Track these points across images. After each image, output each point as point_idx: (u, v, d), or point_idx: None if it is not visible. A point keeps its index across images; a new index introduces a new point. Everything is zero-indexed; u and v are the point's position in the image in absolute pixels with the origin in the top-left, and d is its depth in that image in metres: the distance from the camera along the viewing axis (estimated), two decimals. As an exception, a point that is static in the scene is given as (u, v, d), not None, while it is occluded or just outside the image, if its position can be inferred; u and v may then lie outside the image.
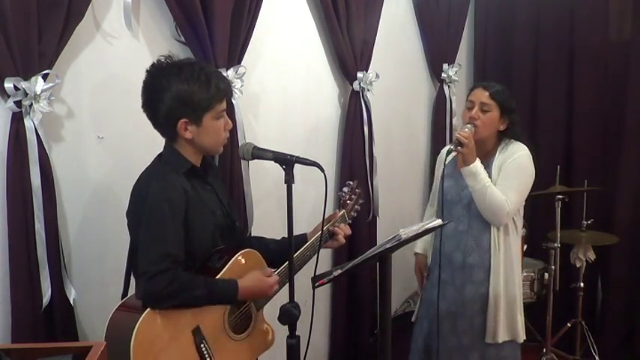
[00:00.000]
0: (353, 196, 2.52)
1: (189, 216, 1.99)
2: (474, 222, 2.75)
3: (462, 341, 2.81)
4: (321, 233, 2.21)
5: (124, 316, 1.92)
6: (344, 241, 2.39)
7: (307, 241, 2.29)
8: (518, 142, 2.81)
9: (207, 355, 1.96)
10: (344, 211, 2.46)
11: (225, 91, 2.04)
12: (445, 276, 2.80)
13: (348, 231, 2.41)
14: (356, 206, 2.54)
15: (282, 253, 2.22)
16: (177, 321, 1.92)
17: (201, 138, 2.02)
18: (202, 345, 1.95)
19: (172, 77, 1.95)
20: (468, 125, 2.71)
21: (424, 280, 3.02)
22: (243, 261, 2.10)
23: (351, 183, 2.55)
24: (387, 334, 2.20)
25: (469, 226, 2.78)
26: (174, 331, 1.91)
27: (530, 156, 2.77)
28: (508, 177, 2.71)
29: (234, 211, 2.31)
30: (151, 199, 1.94)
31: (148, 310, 1.87)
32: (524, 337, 2.90)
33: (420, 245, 3.00)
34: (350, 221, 2.49)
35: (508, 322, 2.80)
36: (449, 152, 2.67)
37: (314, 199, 3.07)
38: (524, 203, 2.84)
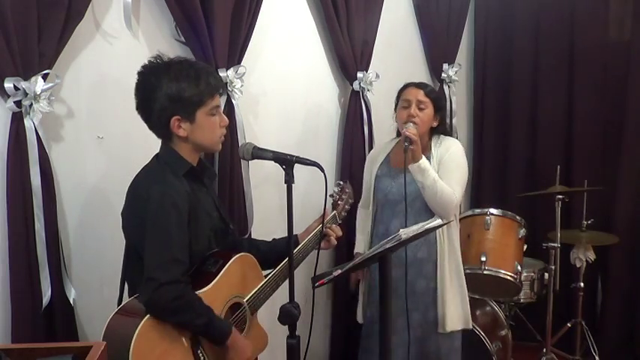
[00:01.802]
0: (343, 196, 2.52)
1: (191, 219, 1.98)
2: (420, 217, 2.75)
3: (416, 334, 2.82)
4: (321, 234, 2.21)
5: (122, 320, 1.90)
6: (335, 242, 2.39)
7: (299, 243, 2.29)
8: (450, 137, 2.96)
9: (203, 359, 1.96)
10: (335, 212, 2.46)
11: (216, 87, 2.03)
12: (396, 274, 2.79)
13: (339, 232, 2.41)
14: (346, 206, 2.54)
15: (273, 254, 2.25)
16: (176, 327, 1.92)
17: (196, 135, 2.01)
18: (199, 350, 1.95)
19: (161, 75, 1.95)
20: (410, 123, 2.77)
21: (359, 280, 3.04)
22: (238, 265, 2.09)
23: (341, 183, 2.56)
24: (387, 334, 2.21)
25: (415, 222, 2.77)
26: (173, 337, 1.91)
27: (463, 148, 2.92)
28: (450, 170, 2.81)
29: (226, 213, 2.31)
30: (156, 203, 1.91)
31: (148, 316, 1.85)
32: (472, 324, 2.98)
33: (359, 245, 3.03)
34: (340, 222, 2.48)
35: (458, 312, 2.87)
36: (405, 150, 2.68)
37: (302, 197, 3.06)
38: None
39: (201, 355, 1.96)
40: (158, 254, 1.89)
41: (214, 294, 2.00)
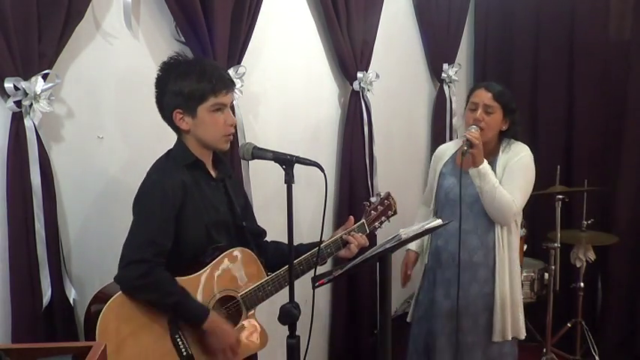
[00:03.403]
0: (380, 207, 2.45)
1: (185, 208, 2.01)
2: (479, 221, 2.76)
3: (465, 339, 2.81)
4: (320, 237, 2.20)
5: (97, 303, 1.96)
6: (356, 250, 2.32)
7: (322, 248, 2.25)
8: (520, 143, 2.83)
9: (182, 347, 1.97)
10: (363, 220, 2.40)
11: (220, 85, 2.05)
12: (449, 275, 2.80)
13: (363, 241, 2.33)
14: (382, 217, 2.46)
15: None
16: (152, 308, 1.94)
17: (198, 130, 2.06)
18: (177, 336, 1.97)
19: (171, 71, 2.04)
20: (474, 126, 2.71)
21: (408, 278, 3.03)
22: (232, 259, 2.11)
23: (381, 194, 2.50)
24: (387, 334, 2.20)
25: (474, 225, 2.78)
26: (149, 318, 1.93)
27: (532, 156, 2.80)
28: (514, 177, 2.73)
29: (247, 213, 2.31)
30: (146, 189, 2.01)
31: (118, 294, 1.90)
32: (525, 334, 2.92)
33: (414, 242, 2.99)
34: (369, 232, 2.41)
35: (513, 321, 2.83)
36: (464, 153, 2.64)
37: (315, 200, 3.07)
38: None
39: (179, 340, 1.97)
40: (134, 234, 1.97)
41: (198, 282, 2.03)
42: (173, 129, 2.11)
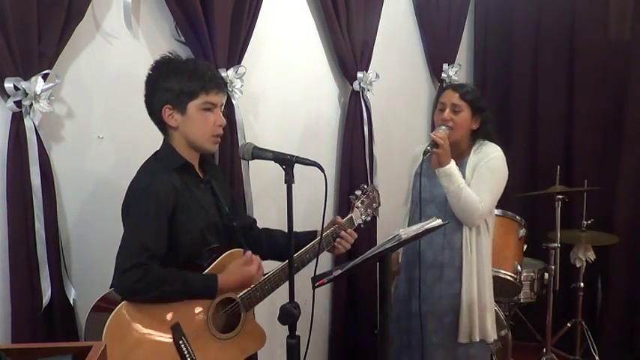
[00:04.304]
0: (365, 200, 2.48)
1: (177, 212, 2.00)
2: (449, 220, 2.73)
3: (431, 339, 2.81)
4: (320, 238, 2.21)
5: (99, 312, 1.94)
6: (349, 246, 2.36)
7: (314, 241, 2.28)
8: (492, 144, 2.83)
9: (186, 353, 1.96)
10: (351, 215, 2.43)
11: (212, 84, 2.04)
12: (415, 274, 2.79)
13: (354, 235, 2.38)
14: (368, 210, 2.49)
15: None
16: (155, 316, 1.93)
17: (187, 128, 2.04)
18: (181, 342, 1.96)
19: (162, 69, 2.04)
20: (443, 127, 2.73)
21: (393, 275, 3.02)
22: (230, 260, 2.10)
23: (365, 186, 2.52)
24: (386, 333, 2.20)
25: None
26: (152, 326, 1.92)
27: (504, 158, 2.80)
28: (482, 178, 2.73)
29: (235, 211, 2.31)
30: (137, 193, 1.99)
31: (122, 304, 1.89)
32: (495, 337, 2.91)
33: None
34: (357, 226, 2.45)
35: (480, 324, 2.81)
36: (425, 153, 2.67)
37: (309, 196, 3.06)
38: (496, 204, 2.85)
39: (183, 346, 1.96)
40: (127, 242, 1.95)
41: None
42: (160, 129, 2.09)
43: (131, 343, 1.88)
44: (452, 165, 2.68)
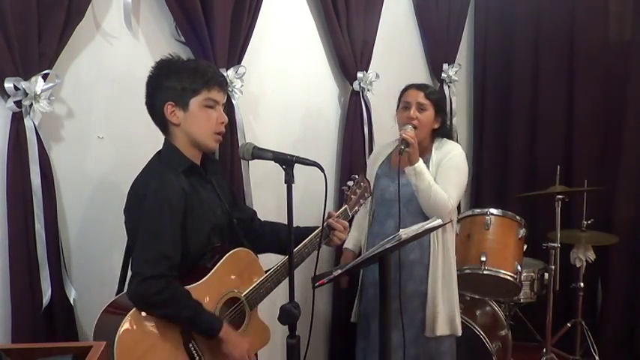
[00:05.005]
0: (357, 190, 2.50)
1: (187, 217, 2.00)
2: (415, 219, 2.73)
3: (405, 337, 2.81)
4: (322, 231, 2.21)
5: (110, 317, 1.92)
6: (344, 236, 2.38)
7: (311, 234, 2.29)
8: (451, 141, 2.93)
9: (195, 355, 1.96)
10: (346, 206, 2.45)
11: (213, 80, 2.05)
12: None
13: (346, 225, 2.39)
14: (361, 200, 2.52)
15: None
16: (165, 322, 1.93)
17: (189, 125, 2.04)
18: (191, 344, 1.96)
19: (163, 68, 2.04)
20: (409, 125, 2.76)
21: (347, 279, 3.05)
22: (233, 260, 2.10)
23: (356, 177, 2.54)
24: (387, 333, 2.21)
25: (411, 223, 2.77)
26: (162, 331, 1.92)
27: (464, 154, 2.89)
28: (447, 174, 2.79)
29: (236, 206, 2.32)
30: (149, 198, 1.95)
31: (133, 310, 1.88)
32: (461, 332, 2.94)
33: (350, 242, 3.03)
34: (350, 216, 2.47)
35: (447, 317, 2.85)
36: (401, 152, 2.67)
37: (302, 191, 3.06)
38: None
39: (193, 349, 1.96)
40: (146, 249, 1.93)
41: (206, 288, 2.02)
42: (162, 129, 2.08)
43: (143, 350, 1.87)
44: (421, 163, 2.73)
